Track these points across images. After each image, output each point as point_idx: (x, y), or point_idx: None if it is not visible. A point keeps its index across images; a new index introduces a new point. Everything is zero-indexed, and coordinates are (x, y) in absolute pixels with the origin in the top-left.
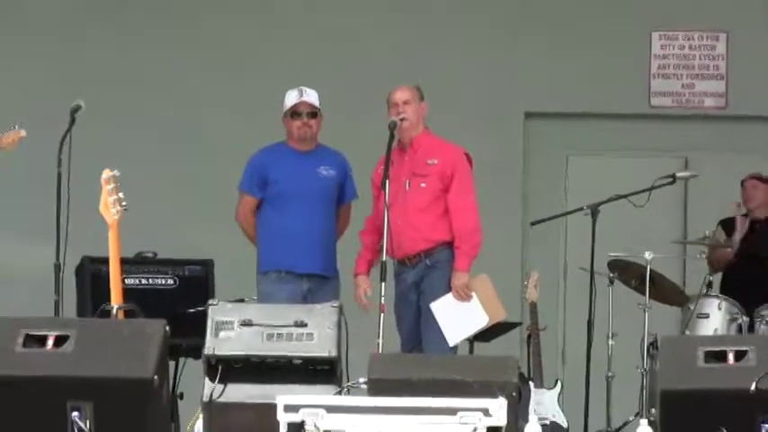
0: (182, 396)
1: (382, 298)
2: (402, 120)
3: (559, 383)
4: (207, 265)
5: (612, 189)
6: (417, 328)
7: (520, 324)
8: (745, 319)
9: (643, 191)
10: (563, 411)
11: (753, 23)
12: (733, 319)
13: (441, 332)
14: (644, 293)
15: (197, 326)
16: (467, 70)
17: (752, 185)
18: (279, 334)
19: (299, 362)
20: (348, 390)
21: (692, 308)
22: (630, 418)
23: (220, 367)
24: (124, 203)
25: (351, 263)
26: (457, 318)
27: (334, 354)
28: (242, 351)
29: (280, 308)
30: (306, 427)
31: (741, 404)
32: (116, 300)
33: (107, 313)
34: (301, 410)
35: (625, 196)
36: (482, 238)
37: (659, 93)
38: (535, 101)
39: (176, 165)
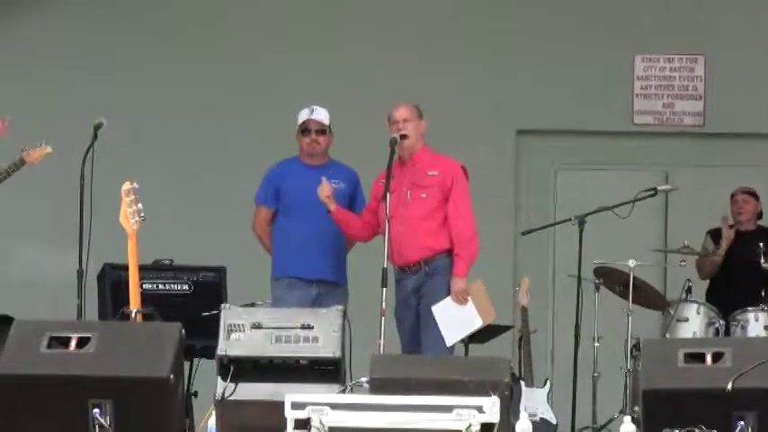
0: (196, 394)
1: (383, 302)
2: (402, 136)
3: (548, 383)
4: (220, 271)
5: (598, 201)
6: (417, 331)
7: (512, 327)
8: (722, 322)
9: (626, 203)
10: (552, 409)
11: (729, 47)
12: (711, 323)
13: (438, 334)
14: (627, 298)
15: (210, 328)
16: (462, 90)
17: (743, 200)
18: (287, 336)
19: (306, 362)
20: (351, 388)
21: (672, 312)
22: (615, 415)
23: (232, 367)
24: (142, 214)
25: (357, 271)
26: (454, 320)
27: (338, 355)
28: (252, 352)
29: (288, 311)
30: (312, 423)
31: (718, 402)
32: (135, 304)
33: (126, 316)
34: (307, 408)
35: (610, 208)
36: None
37: (642, 111)
38: (526, 119)
39: (192, 178)
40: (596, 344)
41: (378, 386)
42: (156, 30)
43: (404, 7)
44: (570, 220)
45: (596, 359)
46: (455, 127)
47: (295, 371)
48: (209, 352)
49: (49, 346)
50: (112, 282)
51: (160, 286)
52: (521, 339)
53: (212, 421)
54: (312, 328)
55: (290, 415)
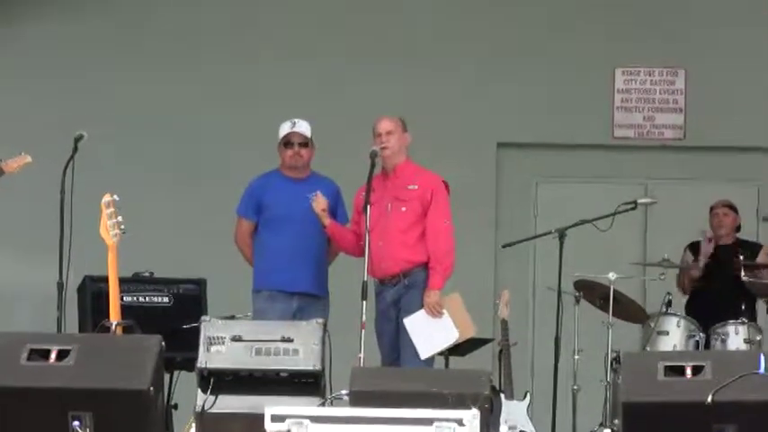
0: (176, 406)
1: (364, 316)
2: (384, 149)
3: (529, 395)
4: (200, 283)
5: (578, 214)
6: (397, 344)
7: (492, 340)
8: (702, 335)
9: (607, 216)
10: (532, 422)
11: (709, 61)
12: (691, 336)
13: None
14: (608, 311)
15: (190, 341)
16: (443, 103)
17: (723, 213)
18: (267, 349)
19: (286, 375)
20: (331, 401)
21: (652, 325)
22: (595, 428)
23: (212, 380)
24: (122, 227)
25: (338, 283)
26: (429, 333)
27: (318, 367)
28: (232, 365)
29: (268, 324)
30: None
31: (698, 415)
32: (115, 316)
33: (106, 329)
34: (287, 420)
35: (590, 221)
36: (456, 260)
37: (622, 125)
38: (506, 132)
39: (173, 190)
40: (576, 357)
41: (358, 399)
42: (138, 42)
43: (386, 21)
44: (551, 233)
45: (576, 372)
46: (436, 140)
47: (275, 383)
48: (190, 364)
49: (29, 358)
50: (93, 294)
51: (140, 299)
52: (501, 352)
53: None
54: (292, 340)
55: (270, 428)
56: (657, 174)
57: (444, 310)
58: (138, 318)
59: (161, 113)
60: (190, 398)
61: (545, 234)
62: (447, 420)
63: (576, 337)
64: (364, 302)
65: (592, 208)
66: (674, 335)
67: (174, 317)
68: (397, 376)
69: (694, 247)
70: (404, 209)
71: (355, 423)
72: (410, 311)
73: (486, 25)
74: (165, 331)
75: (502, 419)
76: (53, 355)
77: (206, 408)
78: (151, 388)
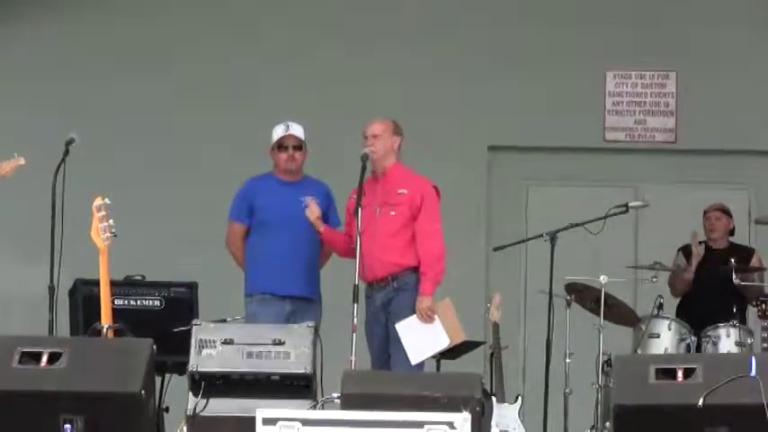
0: (167, 410)
1: (355, 319)
2: (371, 152)
3: (520, 398)
4: (191, 287)
5: (569, 217)
6: (386, 347)
7: (483, 343)
8: (693, 338)
9: (598, 219)
10: (523, 425)
11: (700, 64)
12: (682, 339)
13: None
14: (599, 315)
15: (182, 344)
16: (434, 107)
17: (716, 217)
18: (258, 352)
19: (277, 378)
20: (323, 404)
21: (643, 328)
22: (586, 431)
23: (203, 383)
24: (114, 230)
25: (329, 286)
26: (420, 338)
27: (309, 370)
28: (223, 368)
29: (259, 327)
30: None
31: (689, 418)
32: (106, 319)
33: (98, 332)
34: (279, 423)
35: (581, 224)
36: (447, 263)
37: (613, 128)
38: (498, 135)
39: (164, 193)
40: (568, 360)
41: (349, 402)
42: (128, 43)
43: (377, 23)
44: (542, 236)
45: (568, 375)
46: (427, 143)
47: (266, 386)
48: (181, 368)
49: (21, 361)
50: (84, 297)
51: (132, 302)
52: (492, 355)
53: None
54: (283, 343)
55: (262, 430)
56: (649, 177)
57: (435, 316)
58: (129, 321)
59: (155, 116)
60: (181, 401)
61: (536, 237)
62: (438, 423)
63: (567, 341)
64: (355, 305)
65: (583, 211)
66: (666, 338)
67: (165, 320)
68: (388, 379)
69: (687, 250)
70: (393, 213)
71: (347, 426)
72: (399, 315)
73: (477, 28)
74: (156, 335)
75: (493, 423)
76: (44, 359)
77: (197, 411)
78: (143, 391)
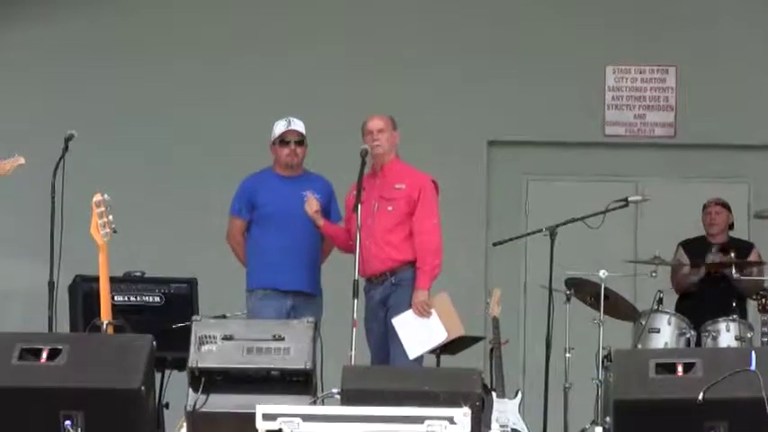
0: (167, 406)
1: (354, 314)
2: (375, 147)
3: (520, 393)
4: (191, 283)
5: (569, 212)
6: (385, 342)
7: (483, 338)
8: (693, 333)
9: (597, 213)
10: (523, 420)
11: (699, 58)
12: (682, 334)
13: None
14: (599, 309)
15: (181, 340)
16: (434, 101)
17: (716, 211)
18: (258, 348)
19: (277, 374)
20: (323, 399)
21: (643, 323)
22: (586, 426)
23: (203, 379)
24: (113, 226)
25: (329, 282)
26: (417, 332)
27: (309, 366)
28: (223, 363)
29: (259, 323)
30: None
31: (689, 413)
32: (106, 316)
33: (97, 328)
34: (279, 419)
35: (581, 219)
36: (447, 258)
37: (613, 122)
38: (497, 130)
39: (163, 189)
40: (568, 355)
41: (349, 397)
42: (125, 40)
43: (375, 18)
44: (541, 231)
45: (568, 370)
46: (427, 138)
47: (266, 382)
48: (181, 363)
49: (20, 357)
50: (84, 293)
51: (131, 298)
52: (492, 350)
53: None
54: (283, 339)
55: (262, 426)
56: (648, 171)
57: (432, 310)
58: (129, 317)
59: (154, 112)
60: (181, 397)
61: (536, 232)
62: (438, 419)
63: (567, 335)
64: (355, 301)
65: (583, 206)
66: (666, 332)
67: (165, 316)
68: (388, 375)
69: (687, 245)
70: (390, 208)
71: (347, 421)
72: (398, 310)
73: (477, 24)
74: (156, 331)
75: (493, 417)
76: (44, 355)
77: (197, 407)
78: (142, 387)
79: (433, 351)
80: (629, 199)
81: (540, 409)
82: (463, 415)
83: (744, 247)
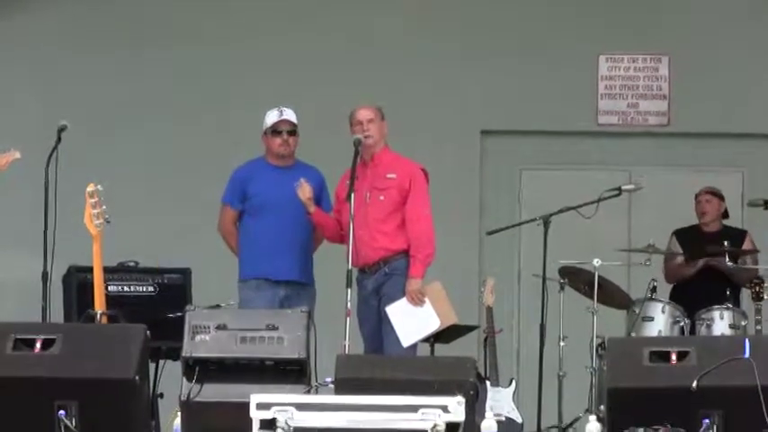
0: (161, 395)
1: (348, 303)
2: (366, 137)
3: (514, 382)
4: (185, 273)
5: (563, 201)
6: (378, 331)
7: (477, 327)
8: (687, 321)
9: (591, 203)
10: (518, 408)
11: (692, 47)
12: (676, 322)
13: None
14: (592, 298)
15: (175, 330)
16: (427, 91)
17: (706, 200)
18: (252, 337)
19: (271, 363)
20: (317, 389)
21: (637, 311)
22: (580, 415)
23: (197, 368)
24: (107, 216)
25: (322, 271)
26: (410, 321)
27: (303, 355)
28: (217, 353)
29: (252, 313)
30: (277, 423)
31: (683, 401)
32: (100, 306)
33: (91, 318)
34: (273, 408)
35: (574, 208)
36: (440, 247)
37: (606, 111)
38: (490, 119)
39: (157, 179)
40: (562, 343)
41: (343, 386)
42: (120, 32)
43: (370, 8)
44: (535, 220)
45: (562, 358)
46: (420, 127)
47: (260, 372)
48: (175, 353)
49: (14, 347)
50: (78, 283)
51: (125, 288)
52: (486, 339)
53: (178, 422)
54: (277, 328)
55: (256, 415)
56: (642, 160)
57: (426, 299)
58: (122, 307)
59: (149, 104)
60: (175, 387)
61: (529, 221)
62: (432, 407)
63: (561, 324)
64: (349, 290)
65: (576, 195)
66: (659, 320)
67: (158, 306)
68: (382, 364)
69: (681, 234)
70: (382, 197)
71: (341, 410)
72: (391, 299)
73: (470, 13)
74: (149, 321)
75: (487, 406)
76: (38, 345)
77: (191, 396)
78: (137, 377)
79: (426, 340)
80: (623, 188)
81: (535, 397)
82: (457, 403)
83: (737, 236)
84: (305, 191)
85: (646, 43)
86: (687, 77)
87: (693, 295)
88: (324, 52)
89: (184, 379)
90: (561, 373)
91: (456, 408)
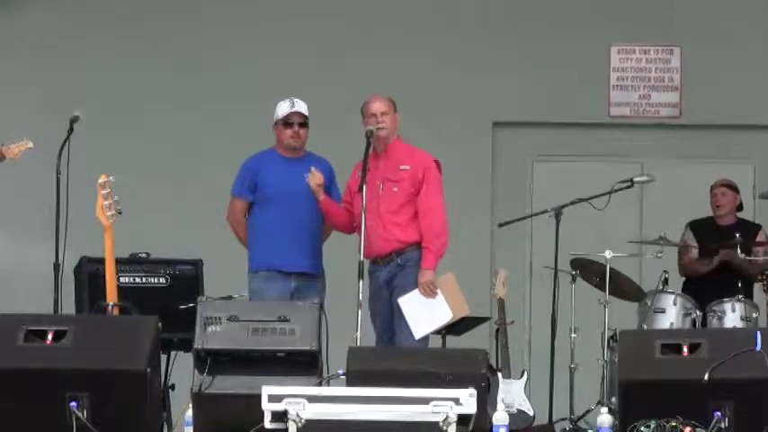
0: (173, 387)
1: (360, 295)
2: (379, 129)
3: (526, 374)
4: (196, 264)
5: (574, 193)
6: (390, 323)
7: (489, 319)
8: (699, 313)
9: (603, 194)
10: (529, 400)
11: (704, 39)
12: (687, 314)
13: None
14: (604, 290)
15: (187, 321)
16: (438, 83)
17: (721, 192)
18: (263, 329)
19: (283, 355)
20: (328, 380)
21: (648, 303)
22: (592, 407)
23: (209, 360)
24: (119, 207)
25: (333, 263)
26: (423, 313)
27: (315, 347)
28: (229, 345)
29: (264, 304)
30: (289, 415)
31: (695, 393)
32: (111, 297)
33: (103, 310)
34: (284, 400)
35: (586, 199)
36: (452, 239)
37: (618, 103)
38: (502, 111)
39: (169, 170)
40: (573, 335)
41: (355, 378)
42: (128, 24)
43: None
44: (547, 211)
45: (573, 350)
46: (431, 120)
47: (272, 363)
48: (186, 345)
49: (26, 339)
50: (89, 275)
51: (137, 279)
52: (497, 331)
53: (189, 414)
54: (289, 320)
55: (268, 407)
56: (653, 152)
57: (438, 290)
58: (134, 299)
59: (159, 93)
60: (187, 378)
61: (541, 213)
62: (444, 399)
63: (572, 316)
64: (361, 282)
65: (588, 186)
66: (671, 313)
67: (170, 298)
68: (393, 355)
69: (695, 226)
70: (395, 189)
71: (352, 402)
72: (404, 291)
73: (481, 4)
74: (161, 312)
75: (499, 398)
76: (49, 337)
77: (203, 388)
78: (148, 369)
79: (438, 331)
80: (635, 180)
81: (546, 389)
82: (469, 396)
83: (751, 229)
84: (315, 178)
85: (658, 35)
86: (699, 69)
87: (705, 287)
88: (333, 43)
89: (196, 370)
90: (573, 366)
91: (468, 400)
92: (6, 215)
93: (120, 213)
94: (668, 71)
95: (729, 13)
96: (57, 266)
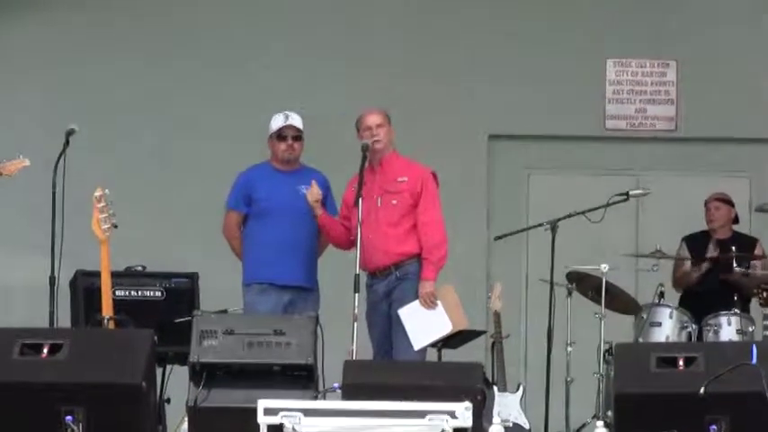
0: (168, 401)
1: (356, 308)
2: (375, 142)
3: (522, 388)
4: (192, 277)
5: (570, 206)
6: (388, 336)
7: (484, 332)
8: (695, 327)
9: (599, 207)
10: (525, 414)
11: (700, 53)
12: (683, 327)
13: (409, 339)
14: (600, 303)
15: (183, 335)
16: (435, 95)
17: (715, 207)
18: (259, 342)
19: (278, 368)
20: (324, 394)
21: (644, 316)
22: (588, 420)
23: (204, 373)
24: (114, 220)
25: (329, 276)
26: (422, 324)
27: (310, 360)
28: (225, 358)
29: (260, 318)
30: (284, 429)
31: (691, 406)
32: (107, 311)
33: (98, 323)
34: (280, 413)
35: (582, 213)
36: (448, 252)
37: (614, 116)
38: (498, 124)
39: (164, 184)
40: (569, 349)
41: (350, 392)
42: (125, 38)
43: (375, 12)
44: (543, 224)
45: (569, 364)
46: (427, 132)
47: (268, 377)
48: (182, 358)
49: (21, 353)
50: (85, 288)
51: (132, 293)
52: (494, 344)
53: (185, 428)
54: (284, 333)
55: (263, 421)
56: (649, 165)
57: (438, 302)
58: (130, 312)
59: (155, 108)
60: (182, 392)
61: (537, 226)
62: (440, 413)
63: (568, 329)
64: (357, 295)
65: (584, 200)
66: (667, 326)
67: (166, 311)
68: (389, 369)
69: (690, 240)
70: (394, 201)
71: (348, 416)
72: (402, 303)
73: (477, 18)
74: (157, 325)
75: (495, 412)
76: (45, 350)
77: (199, 402)
78: (144, 382)
79: (434, 344)
80: (631, 193)
81: (542, 403)
82: (465, 409)
83: (747, 242)
84: (314, 193)
85: (654, 48)
86: (695, 82)
87: (701, 301)
88: (329, 55)
89: (191, 384)
90: (569, 379)
91: (463, 413)
92: (2, 229)
93: (115, 227)
94: (664, 84)
95: (725, 27)
96: (52, 280)
